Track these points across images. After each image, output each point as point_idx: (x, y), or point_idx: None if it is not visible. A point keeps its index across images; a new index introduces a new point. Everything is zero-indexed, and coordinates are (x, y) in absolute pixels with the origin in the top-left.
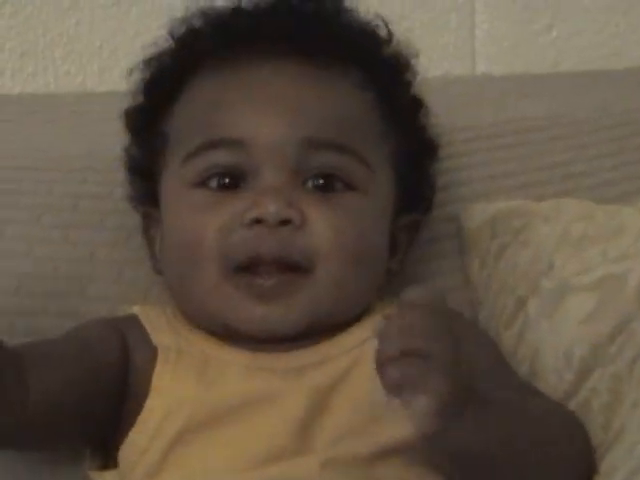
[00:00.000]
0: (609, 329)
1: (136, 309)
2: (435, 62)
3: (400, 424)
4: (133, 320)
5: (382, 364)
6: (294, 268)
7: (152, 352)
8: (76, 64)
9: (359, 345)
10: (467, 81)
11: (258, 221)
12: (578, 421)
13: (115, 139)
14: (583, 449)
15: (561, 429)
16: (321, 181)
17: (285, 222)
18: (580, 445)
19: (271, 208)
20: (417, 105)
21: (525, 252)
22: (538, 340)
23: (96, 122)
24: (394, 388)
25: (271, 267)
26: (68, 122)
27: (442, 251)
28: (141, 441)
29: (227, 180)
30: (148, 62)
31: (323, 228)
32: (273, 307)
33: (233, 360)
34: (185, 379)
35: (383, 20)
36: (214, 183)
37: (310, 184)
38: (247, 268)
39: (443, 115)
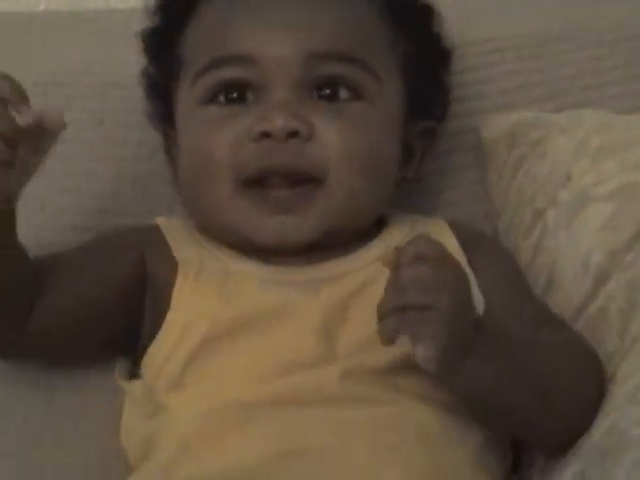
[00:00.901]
0: (626, 236)
1: (159, 220)
2: None
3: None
4: (155, 231)
5: (380, 314)
6: (305, 180)
7: (173, 266)
8: None
9: (376, 260)
10: None
11: (267, 135)
12: (592, 354)
13: (136, 57)
14: (594, 380)
15: (573, 361)
16: (327, 91)
17: (293, 134)
18: (592, 375)
19: (279, 122)
20: (427, 12)
21: (543, 163)
22: (556, 250)
23: (117, 39)
24: (391, 336)
25: (282, 180)
26: (90, 38)
27: (461, 163)
28: (162, 352)
29: (235, 94)
30: None
31: (331, 138)
32: (288, 217)
33: (252, 273)
34: (205, 292)
35: None
36: (222, 98)
37: (316, 95)
38: (258, 182)
39: (460, 28)
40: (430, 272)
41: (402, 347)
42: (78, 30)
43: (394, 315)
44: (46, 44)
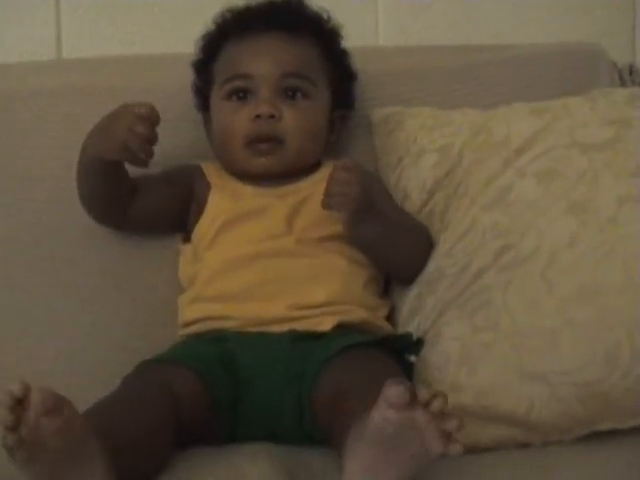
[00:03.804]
0: (445, 171)
1: (201, 163)
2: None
3: (337, 224)
4: (199, 169)
5: (325, 192)
6: (276, 140)
7: (208, 185)
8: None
9: (317, 181)
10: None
11: (258, 116)
12: (427, 231)
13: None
14: (428, 244)
15: (419, 232)
16: (290, 93)
17: (272, 116)
18: (427, 243)
19: (264, 109)
20: (344, 52)
21: (401, 133)
22: (408, 178)
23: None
24: (329, 207)
25: (265, 140)
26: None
27: (359, 133)
28: (202, 229)
29: (241, 95)
30: (203, 37)
31: (291, 119)
32: (268, 158)
33: (249, 190)
34: (225, 198)
35: (326, 10)
36: (235, 97)
37: (284, 96)
38: (254, 141)
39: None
40: (348, 174)
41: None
42: None
43: (330, 195)
44: None
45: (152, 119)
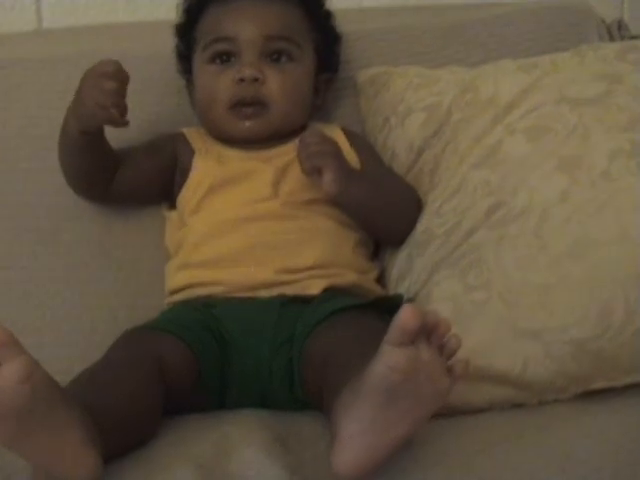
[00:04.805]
0: (432, 130)
1: (184, 129)
2: None
3: (321, 187)
4: (182, 135)
5: (302, 161)
6: (261, 104)
7: (192, 151)
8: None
9: None
10: None
11: (242, 80)
12: (415, 192)
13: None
14: (417, 205)
15: (407, 193)
16: (274, 56)
17: (255, 79)
18: (415, 203)
19: (248, 72)
20: (328, 14)
21: (387, 93)
22: (395, 139)
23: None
24: (310, 172)
25: (249, 104)
26: None
27: (343, 96)
28: (188, 193)
29: (224, 58)
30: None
31: (275, 82)
32: (252, 122)
33: (235, 154)
34: (209, 162)
35: None
36: (218, 60)
37: (269, 59)
38: (237, 104)
39: None
40: (321, 137)
41: (315, 180)
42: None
43: (307, 158)
44: None
45: (118, 75)
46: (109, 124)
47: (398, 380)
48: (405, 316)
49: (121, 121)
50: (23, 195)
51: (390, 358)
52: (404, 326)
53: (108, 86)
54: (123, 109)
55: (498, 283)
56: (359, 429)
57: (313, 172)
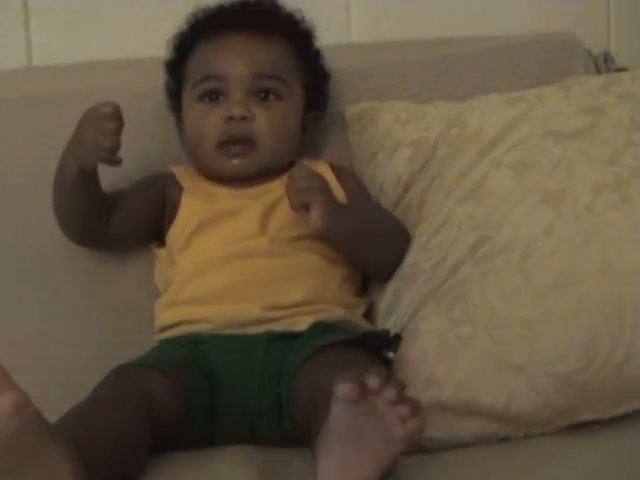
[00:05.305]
0: (419, 165)
1: (173, 168)
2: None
3: (309, 223)
4: (171, 174)
5: (290, 197)
6: (249, 142)
7: (180, 189)
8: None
9: None
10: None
11: (231, 118)
12: (403, 227)
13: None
14: (404, 239)
15: (395, 228)
16: (263, 95)
17: (244, 118)
18: (403, 238)
19: (237, 111)
20: (317, 52)
21: (376, 127)
22: (383, 173)
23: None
24: (298, 209)
25: (238, 142)
26: None
27: (331, 131)
28: (176, 231)
29: (213, 96)
30: (175, 36)
31: (263, 121)
32: (240, 160)
33: (223, 191)
34: (197, 200)
35: (300, 11)
36: (207, 98)
37: (257, 98)
38: (226, 143)
39: None
40: (309, 172)
41: (302, 216)
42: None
43: (296, 194)
44: None
45: (117, 116)
46: (106, 163)
47: (354, 424)
48: (343, 392)
49: (116, 159)
50: (13, 235)
51: (341, 407)
52: (345, 400)
53: (108, 127)
54: (118, 148)
55: (483, 317)
56: (334, 466)
57: (301, 208)
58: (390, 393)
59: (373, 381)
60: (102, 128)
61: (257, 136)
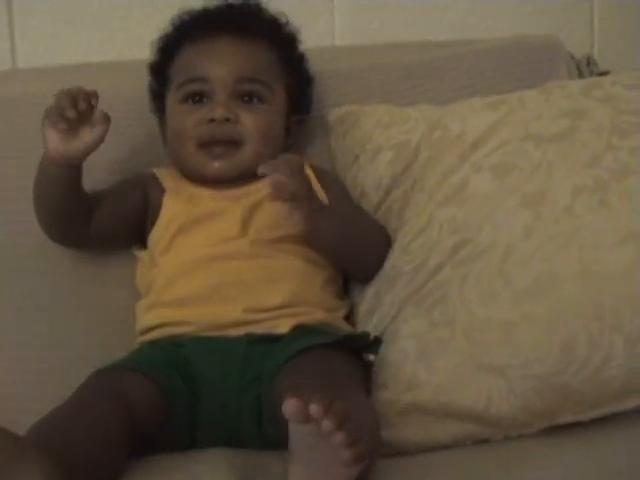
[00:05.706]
0: (400, 168)
1: (155, 169)
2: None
3: (292, 225)
4: (153, 175)
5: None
6: (233, 143)
7: (162, 191)
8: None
9: None
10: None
11: (213, 120)
12: (384, 230)
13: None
14: (386, 242)
15: (375, 230)
16: (246, 98)
17: (227, 119)
18: (384, 241)
19: (219, 113)
20: (301, 57)
21: (357, 131)
22: (365, 176)
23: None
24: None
25: (220, 143)
26: None
27: (314, 134)
28: (158, 233)
29: (197, 98)
30: (159, 39)
31: (247, 122)
32: (222, 162)
33: (205, 193)
34: (179, 202)
35: (284, 14)
36: (190, 100)
37: (241, 100)
38: (208, 144)
39: None
40: (291, 169)
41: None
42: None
43: (277, 191)
44: None
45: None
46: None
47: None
48: (289, 411)
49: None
50: None
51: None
52: (291, 419)
53: (64, 103)
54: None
55: (462, 320)
56: (305, 471)
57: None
58: (327, 425)
59: (313, 409)
60: (58, 104)
61: (244, 137)
